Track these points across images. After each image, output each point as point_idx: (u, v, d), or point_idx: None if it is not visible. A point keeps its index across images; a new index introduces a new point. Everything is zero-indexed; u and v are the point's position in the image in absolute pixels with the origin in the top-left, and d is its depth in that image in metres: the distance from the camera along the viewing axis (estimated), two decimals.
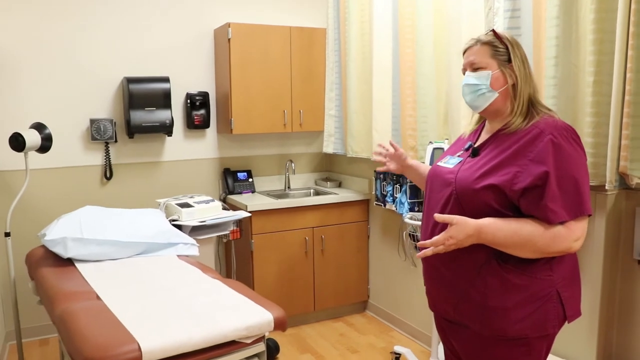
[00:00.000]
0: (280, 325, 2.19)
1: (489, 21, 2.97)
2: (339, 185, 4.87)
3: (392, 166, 2.29)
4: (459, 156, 1.97)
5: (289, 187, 4.83)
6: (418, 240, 3.19)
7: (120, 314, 2.17)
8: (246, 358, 2.18)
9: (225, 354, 2.10)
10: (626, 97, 2.34)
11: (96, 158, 4.24)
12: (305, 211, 4.29)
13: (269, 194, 4.62)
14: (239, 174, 4.62)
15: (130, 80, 4.09)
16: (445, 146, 3.30)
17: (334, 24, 4.46)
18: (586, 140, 2.46)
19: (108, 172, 4.26)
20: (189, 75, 4.48)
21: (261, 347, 2.20)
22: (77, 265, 2.91)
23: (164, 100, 4.19)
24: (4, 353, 3.85)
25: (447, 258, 1.83)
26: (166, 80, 4.21)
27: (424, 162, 3.51)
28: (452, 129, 3.36)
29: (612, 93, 2.38)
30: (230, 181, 4.56)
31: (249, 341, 2.13)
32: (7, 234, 3.20)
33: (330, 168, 5.12)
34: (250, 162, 4.76)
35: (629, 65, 2.31)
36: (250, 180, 4.65)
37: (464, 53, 1.94)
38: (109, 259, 3.01)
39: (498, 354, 1.81)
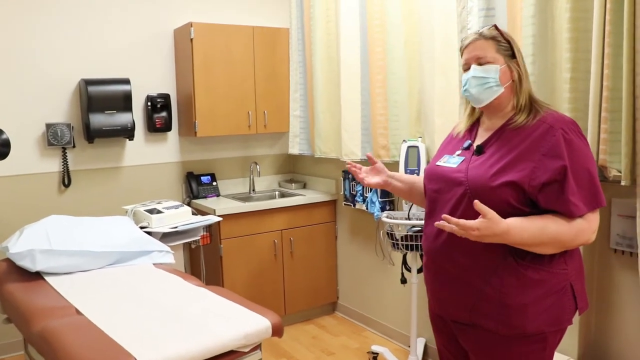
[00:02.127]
0: (277, 331, 2.13)
1: (462, 20, 3.00)
2: (304, 186, 4.83)
3: (372, 180, 2.17)
4: (458, 155, 1.95)
5: (253, 190, 4.76)
6: (395, 239, 3.20)
7: (108, 328, 2.06)
8: None
9: None
10: (604, 93, 2.40)
11: (53, 164, 4.05)
12: (273, 214, 4.22)
13: (235, 197, 4.53)
14: (202, 177, 4.52)
15: (88, 82, 3.92)
16: (420, 144, 3.31)
17: (297, 24, 4.41)
18: None
19: (66, 179, 4.07)
20: (149, 77, 4.34)
21: (258, 355, 2.14)
22: (47, 278, 2.76)
23: (124, 102, 4.04)
24: None
25: (459, 259, 1.82)
26: (127, 82, 4.06)
27: (397, 161, 3.52)
28: (426, 127, 3.37)
29: (590, 89, 2.43)
30: (194, 185, 4.44)
31: (247, 349, 2.06)
32: None
33: (294, 169, 5.07)
34: (214, 165, 4.66)
35: (606, 62, 2.37)
36: (215, 183, 4.54)
37: (463, 49, 1.93)
38: (80, 271, 2.87)
39: (515, 352, 1.80)
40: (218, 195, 4.54)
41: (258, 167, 4.68)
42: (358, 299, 4.36)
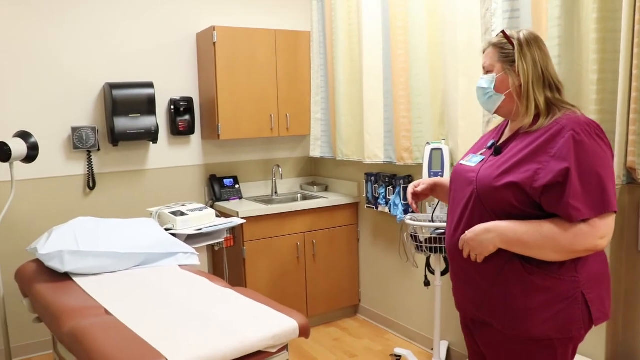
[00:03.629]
0: (304, 331, 2.14)
1: (487, 22, 2.99)
2: (326, 189, 4.84)
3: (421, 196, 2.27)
4: (481, 154, 1.96)
5: (275, 193, 4.78)
6: (419, 241, 3.19)
7: (138, 328, 2.08)
8: None
9: None
10: (633, 94, 2.38)
11: (78, 167, 4.10)
12: (295, 216, 4.24)
13: (257, 199, 4.55)
14: (225, 180, 4.54)
15: (113, 86, 3.97)
16: (444, 147, 3.31)
17: (318, 27, 4.43)
18: None
19: (91, 182, 4.12)
20: (172, 81, 4.38)
21: (285, 356, 2.14)
22: (75, 279, 2.80)
23: (148, 106, 4.08)
24: None
25: (469, 258, 1.84)
26: (150, 85, 4.10)
27: (420, 164, 3.52)
28: (449, 129, 3.36)
29: (618, 90, 2.41)
30: (217, 188, 4.47)
31: (274, 350, 2.07)
32: None
33: (316, 172, 5.08)
34: (236, 168, 4.69)
35: (635, 62, 2.35)
36: (237, 186, 4.57)
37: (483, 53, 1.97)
38: (107, 272, 2.90)
39: (523, 355, 1.79)
40: (240, 198, 4.57)
41: (280, 169, 4.70)
42: (380, 302, 4.36)
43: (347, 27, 4.11)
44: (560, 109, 1.80)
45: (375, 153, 3.90)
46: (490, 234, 1.73)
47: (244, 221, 3.80)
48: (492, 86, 1.86)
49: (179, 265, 3.00)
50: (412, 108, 3.58)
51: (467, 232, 1.79)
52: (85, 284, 2.71)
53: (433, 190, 2.24)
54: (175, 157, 4.44)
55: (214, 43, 4.12)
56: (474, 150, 2.06)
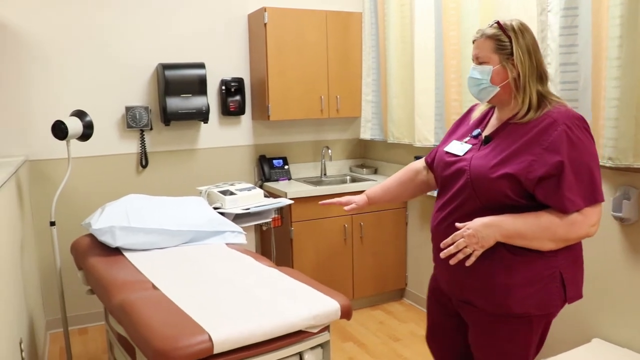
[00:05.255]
0: (346, 313, 2.13)
1: (542, 1, 2.87)
2: (375, 171, 4.81)
3: (354, 205, 2.37)
4: (466, 142, 1.98)
5: (325, 174, 4.78)
6: None
7: (183, 304, 2.12)
8: (310, 348, 2.13)
9: (291, 344, 2.05)
10: None
11: (132, 146, 4.20)
12: None
13: (306, 180, 4.56)
14: (274, 161, 4.57)
15: (165, 67, 4.03)
16: None
17: (370, 8, 4.37)
18: None
19: (144, 160, 4.22)
20: (223, 61, 4.42)
21: (326, 337, 2.15)
22: (126, 254, 2.87)
23: (199, 86, 4.13)
24: (45, 342, 3.84)
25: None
26: (202, 66, 4.15)
27: None
28: None
29: None
30: (266, 168, 4.50)
31: (315, 330, 2.08)
32: (52, 223, 3.16)
33: (365, 154, 5.05)
34: (286, 149, 4.70)
35: None
36: (286, 167, 4.59)
37: (473, 43, 1.94)
38: (156, 248, 2.97)
39: (503, 330, 1.88)
40: (289, 179, 4.59)
41: (330, 151, 4.69)
42: (426, 286, 4.30)
43: (399, 7, 4.04)
44: (549, 102, 1.84)
45: (426, 136, 3.84)
46: (491, 229, 1.76)
47: (291, 202, 3.82)
48: (488, 78, 1.86)
49: (226, 244, 3.04)
50: (464, 91, 3.50)
51: (464, 228, 1.79)
52: (135, 259, 2.78)
53: (368, 205, 2.40)
54: (226, 137, 4.49)
55: (265, 24, 4.13)
56: (457, 137, 2.07)
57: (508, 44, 1.83)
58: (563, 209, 1.72)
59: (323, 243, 4.18)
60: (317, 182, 4.55)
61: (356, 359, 3.56)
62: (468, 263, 1.80)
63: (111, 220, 2.93)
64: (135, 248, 2.92)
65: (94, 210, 3.59)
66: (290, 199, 3.93)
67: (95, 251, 2.92)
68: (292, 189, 4.13)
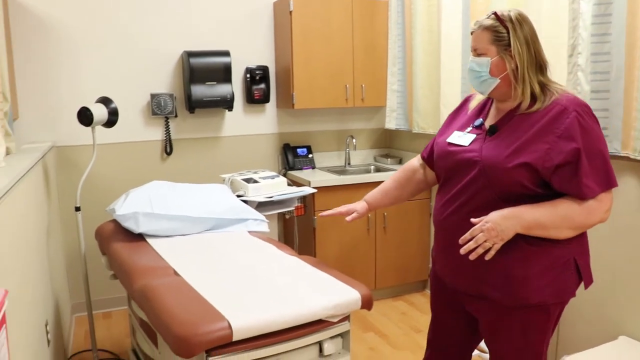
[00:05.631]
0: (366, 303, 2.12)
1: None
2: (400, 162, 4.77)
3: (355, 215, 2.34)
4: (469, 132, 1.96)
5: (349, 164, 4.75)
6: None
7: (203, 290, 2.12)
8: (330, 337, 2.12)
9: (311, 333, 2.04)
10: None
11: (156, 133, 4.22)
12: (367, 188, 4.15)
13: (330, 170, 4.54)
14: (298, 149, 4.56)
15: (190, 55, 4.04)
16: None
17: None
18: None
19: (168, 147, 4.24)
20: (249, 49, 4.41)
21: (347, 326, 2.14)
22: (149, 240, 2.89)
23: (224, 74, 4.13)
24: (71, 325, 3.90)
25: (468, 230, 1.80)
26: (227, 54, 4.14)
27: None
28: None
29: None
30: (290, 157, 4.50)
31: (335, 320, 2.06)
32: (78, 209, 3.19)
33: (390, 144, 5.01)
34: (310, 138, 4.69)
35: None
36: (310, 156, 4.58)
37: (471, 34, 1.92)
38: (179, 235, 2.98)
39: (520, 321, 1.87)
40: (313, 168, 4.58)
41: (354, 140, 4.66)
42: None
43: None
44: (552, 89, 1.83)
45: None
46: (510, 221, 1.73)
47: (314, 190, 3.81)
48: (487, 70, 1.84)
49: (249, 232, 3.04)
50: None
51: (482, 222, 1.75)
52: (158, 245, 2.80)
53: (369, 211, 2.39)
54: (250, 125, 4.49)
55: (290, 12, 4.10)
56: (458, 127, 2.04)
57: (505, 35, 1.81)
58: (581, 196, 1.72)
59: (346, 233, 4.17)
60: (341, 171, 4.53)
61: (377, 349, 3.55)
62: (488, 257, 1.77)
63: (135, 207, 2.95)
64: (158, 234, 2.94)
65: (118, 196, 3.62)
66: (314, 188, 3.92)
67: (118, 237, 2.95)
68: (316, 177, 4.12)
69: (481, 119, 1.96)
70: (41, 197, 3.05)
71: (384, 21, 4.44)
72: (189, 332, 1.81)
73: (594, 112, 2.05)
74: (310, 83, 4.24)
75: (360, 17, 4.35)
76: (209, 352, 1.84)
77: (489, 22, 1.84)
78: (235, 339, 1.84)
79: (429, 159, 2.21)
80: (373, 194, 2.37)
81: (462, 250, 1.78)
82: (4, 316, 1.16)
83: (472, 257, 1.77)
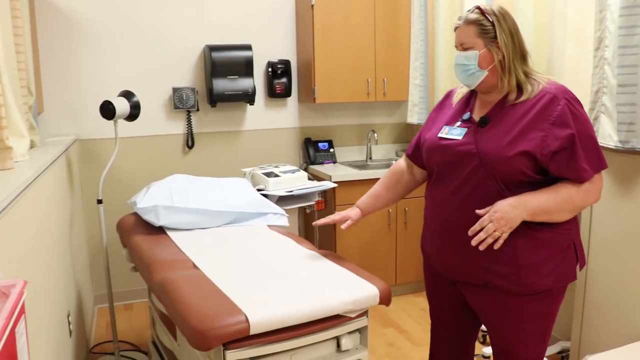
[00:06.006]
0: (385, 299, 2.10)
1: None
2: None
3: (350, 222, 2.35)
4: (459, 126, 1.98)
5: (370, 158, 4.73)
6: None
7: (221, 284, 2.13)
8: (347, 333, 2.11)
9: (328, 328, 2.03)
10: None
11: (178, 127, 4.25)
12: None
13: (351, 164, 4.53)
14: (320, 144, 4.55)
15: (212, 49, 4.05)
16: None
17: None
18: None
19: (190, 141, 4.26)
20: (270, 43, 4.41)
21: (364, 322, 2.12)
22: (169, 233, 2.90)
23: (246, 68, 4.14)
24: (93, 316, 3.95)
25: (473, 223, 1.83)
26: (248, 48, 4.15)
27: None
28: None
29: None
30: (311, 151, 4.49)
31: (353, 315, 2.05)
32: (100, 201, 3.22)
33: (412, 139, 4.96)
34: (332, 132, 4.68)
35: None
36: (332, 150, 4.56)
37: (455, 30, 1.96)
38: (199, 228, 2.99)
39: (526, 308, 1.91)
40: (335, 162, 4.56)
41: (376, 135, 4.64)
42: None
43: None
44: (537, 78, 1.89)
45: None
46: (518, 210, 1.77)
47: (335, 185, 3.79)
48: (476, 63, 1.87)
49: (268, 226, 3.04)
50: None
51: (491, 211, 1.78)
52: (178, 238, 2.81)
53: (363, 217, 2.39)
54: (272, 119, 4.49)
55: (312, 5, 4.09)
56: (446, 122, 2.06)
57: (491, 27, 1.86)
58: (580, 179, 1.79)
59: (367, 227, 4.15)
60: (362, 165, 4.51)
61: (396, 344, 3.53)
62: (496, 246, 1.80)
63: (155, 200, 2.97)
64: (178, 227, 2.95)
65: (140, 189, 3.65)
66: (335, 182, 3.90)
67: (139, 229, 2.97)
68: (337, 172, 4.11)
69: (469, 113, 1.99)
70: (64, 189, 3.08)
71: (407, 15, 4.40)
72: (206, 325, 1.81)
73: (620, 107, 2.03)
74: (331, 77, 4.23)
75: (382, 11, 4.32)
76: (226, 345, 1.85)
77: (474, 16, 1.89)
78: (252, 332, 1.83)
79: (414, 157, 2.26)
80: (364, 199, 2.39)
81: (473, 242, 1.80)
82: (23, 306, 1.17)
83: (481, 247, 1.80)
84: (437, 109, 2.19)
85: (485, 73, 1.88)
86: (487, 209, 1.80)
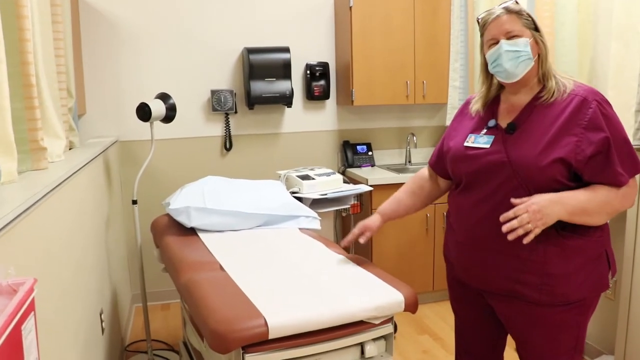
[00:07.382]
0: (411, 306, 2.04)
1: None
2: None
3: (368, 234, 2.32)
4: (485, 134, 1.91)
5: (409, 162, 4.66)
6: None
7: (245, 286, 2.11)
8: (372, 339, 2.07)
9: (352, 334, 1.98)
10: None
11: (216, 129, 4.28)
12: None
13: (389, 168, 4.47)
14: (358, 147, 4.51)
15: (250, 51, 4.07)
16: None
17: None
18: None
19: (228, 143, 4.28)
20: (308, 46, 4.39)
21: (389, 329, 2.07)
22: (200, 234, 2.92)
23: (284, 70, 4.14)
24: (130, 314, 4.01)
25: (501, 232, 1.73)
26: (286, 50, 4.15)
27: None
28: None
29: None
30: (349, 154, 4.45)
31: (377, 322, 2.00)
32: (135, 202, 3.27)
33: None
34: (370, 135, 4.63)
35: None
36: (370, 153, 4.52)
37: (487, 24, 1.88)
38: (230, 230, 3.00)
39: (557, 319, 1.84)
40: (373, 165, 4.52)
41: (415, 138, 4.57)
42: None
43: None
44: (566, 80, 1.84)
45: None
46: (557, 206, 1.70)
47: (370, 188, 3.75)
48: (529, 49, 1.80)
49: (299, 229, 3.02)
50: None
51: (528, 202, 1.69)
52: (208, 240, 2.81)
53: (384, 223, 2.38)
54: (310, 122, 4.48)
55: (350, 7, 4.06)
56: (472, 130, 1.98)
57: (531, 20, 1.83)
58: (617, 184, 1.73)
59: (404, 232, 4.08)
60: (400, 169, 4.44)
61: (431, 352, 3.46)
62: (526, 240, 1.70)
63: (187, 201, 2.99)
64: (209, 229, 2.96)
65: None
66: (371, 185, 3.86)
67: (171, 230, 2.99)
68: (374, 175, 4.06)
69: (494, 120, 1.93)
70: (101, 189, 3.14)
71: (447, 15, 4.32)
72: (225, 328, 1.79)
73: None
74: (370, 79, 4.18)
75: (421, 12, 4.25)
76: (245, 348, 1.83)
77: (517, 7, 1.84)
78: (271, 337, 1.81)
79: (437, 167, 2.21)
80: (387, 205, 2.37)
81: (505, 228, 1.71)
82: (32, 303, 1.19)
83: (510, 237, 1.71)
84: (459, 117, 2.12)
85: (533, 63, 1.81)
86: (524, 199, 1.73)
